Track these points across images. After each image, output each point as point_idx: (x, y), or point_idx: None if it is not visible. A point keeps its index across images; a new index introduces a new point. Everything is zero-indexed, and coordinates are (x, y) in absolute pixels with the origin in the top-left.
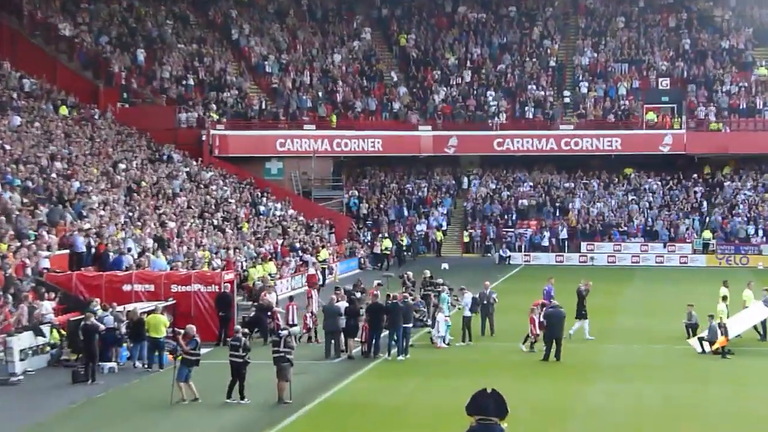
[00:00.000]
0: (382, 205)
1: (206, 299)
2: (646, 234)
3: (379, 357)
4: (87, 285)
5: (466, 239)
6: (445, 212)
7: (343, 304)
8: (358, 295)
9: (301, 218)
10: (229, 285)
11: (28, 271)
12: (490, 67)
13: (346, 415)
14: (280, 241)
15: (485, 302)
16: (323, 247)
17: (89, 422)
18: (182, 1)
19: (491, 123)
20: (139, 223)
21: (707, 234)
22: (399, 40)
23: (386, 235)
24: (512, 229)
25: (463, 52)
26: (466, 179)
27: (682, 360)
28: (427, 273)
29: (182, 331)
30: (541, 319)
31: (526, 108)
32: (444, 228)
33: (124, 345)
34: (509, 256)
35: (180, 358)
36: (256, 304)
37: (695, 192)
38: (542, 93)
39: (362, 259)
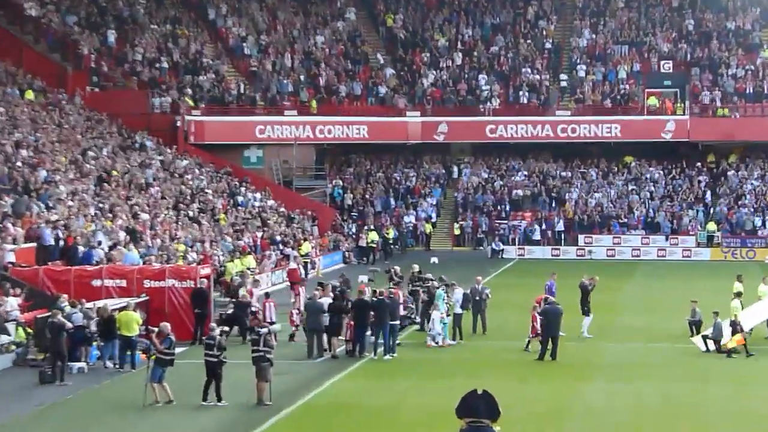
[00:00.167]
0: (367, 196)
1: (181, 295)
2: (647, 226)
3: (364, 356)
4: (55, 280)
5: (457, 232)
6: (434, 203)
7: (326, 301)
8: (349, 291)
9: (282, 209)
10: (205, 280)
11: None
12: (482, 49)
13: (329, 418)
14: (259, 234)
15: (477, 298)
16: (305, 240)
17: (57, 426)
18: None
19: (483, 108)
20: (110, 215)
21: (712, 226)
22: (386, 20)
23: (372, 227)
24: (505, 221)
25: (454, 33)
26: (456, 168)
27: (683, 359)
28: (416, 267)
29: (156, 329)
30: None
31: (521, 93)
32: (433, 220)
33: (94, 344)
34: (502, 250)
35: (153, 357)
36: (234, 300)
37: (699, 181)
38: (537, 77)
39: (347, 253)
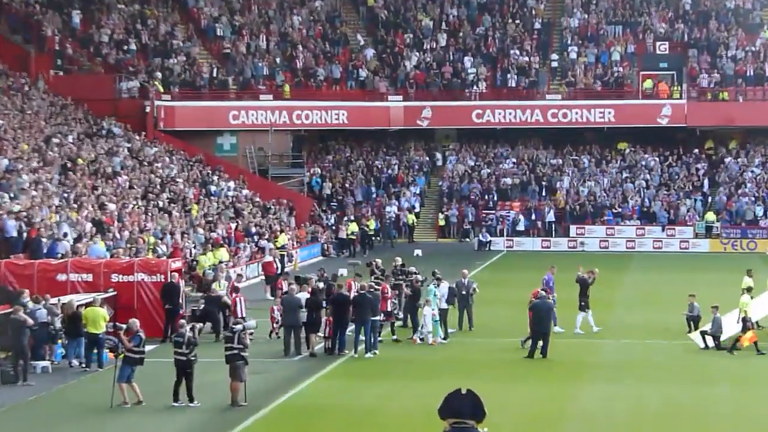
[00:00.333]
0: (347, 185)
1: (151, 290)
2: (642, 216)
3: (344, 354)
4: (17, 274)
5: (442, 222)
6: (417, 192)
7: (303, 296)
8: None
9: (257, 199)
10: (176, 274)
11: None
12: (468, 30)
13: (306, 420)
14: (233, 225)
15: (463, 293)
16: (282, 231)
17: (20, 428)
18: None
19: (469, 92)
20: (75, 206)
21: (711, 216)
22: None
23: (352, 218)
24: (493, 211)
25: (438, 13)
26: (441, 156)
27: (683, 357)
28: (399, 260)
29: (124, 326)
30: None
31: (509, 75)
32: (417, 210)
33: (59, 342)
34: (490, 242)
35: (122, 356)
36: (205, 295)
37: (697, 169)
38: (526, 59)
39: (325, 245)
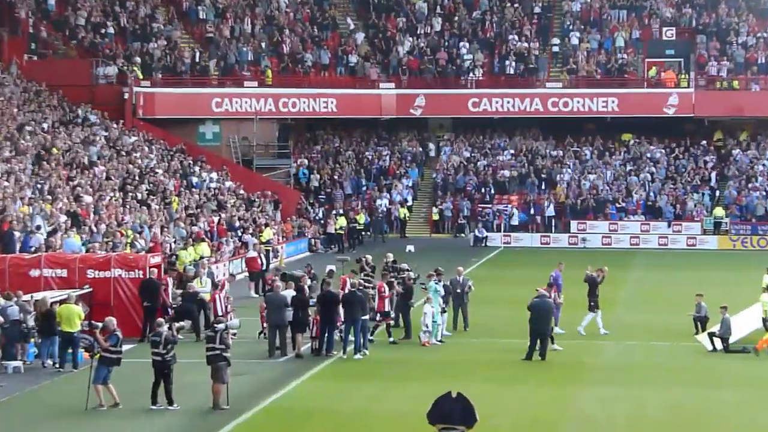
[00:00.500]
0: (336, 177)
1: (128, 287)
2: (647, 211)
3: (332, 355)
4: None
5: (436, 217)
6: (410, 185)
7: (289, 293)
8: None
9: (241, 191)
10: (155, 270)
11: None
12: (464, 14)
13: (292, 424)
14: (215, 219)
15: (458, 291)
16: (267, 225)
17: None
18: None
19: (465, 80)
20: (50, 197)
21: (719, 211)
22: None
23: (341, 211)
24: (490, 205)
25: None
26: (435, 146)
27: (689, 359)
28: (390, 257)
29: (100, 325)
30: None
31: (507, 62)
32: (409, 203)
33: (32, 340)
34: (486, 237)
35: (98, 356)
36: (183, 292)
37: (705, 162)
38: (525, 45)
39: (313, 240)
